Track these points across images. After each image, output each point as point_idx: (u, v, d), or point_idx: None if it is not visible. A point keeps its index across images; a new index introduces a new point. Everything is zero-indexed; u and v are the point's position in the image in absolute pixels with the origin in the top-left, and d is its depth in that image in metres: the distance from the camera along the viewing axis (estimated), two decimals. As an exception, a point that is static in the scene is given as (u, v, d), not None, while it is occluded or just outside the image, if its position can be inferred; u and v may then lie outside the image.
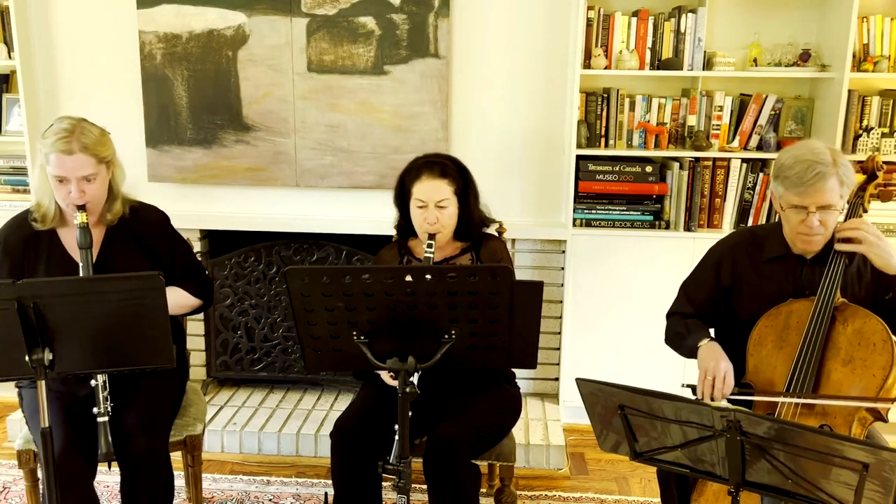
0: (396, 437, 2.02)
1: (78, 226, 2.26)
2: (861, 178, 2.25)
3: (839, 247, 2.13)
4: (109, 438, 2.19)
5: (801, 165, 2.07)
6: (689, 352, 2.27)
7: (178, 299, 2.43)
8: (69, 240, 2.37)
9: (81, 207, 2.26)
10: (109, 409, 2.21)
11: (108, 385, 2.22)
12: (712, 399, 2.09)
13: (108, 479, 2.97)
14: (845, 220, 2.20)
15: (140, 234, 2.45)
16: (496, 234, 2.71)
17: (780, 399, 2.06)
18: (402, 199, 2.57)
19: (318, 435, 3.34)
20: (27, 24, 3.49)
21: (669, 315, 2.43)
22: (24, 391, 2.42)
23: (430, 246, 2.43)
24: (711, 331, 2.33)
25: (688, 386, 2.18)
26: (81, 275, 2.26)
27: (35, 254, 2.38)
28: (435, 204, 2.46)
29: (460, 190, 2.52)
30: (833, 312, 2.09)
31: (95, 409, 2.19)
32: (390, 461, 2.03)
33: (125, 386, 2.35)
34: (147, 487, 2.27)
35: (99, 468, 2.28)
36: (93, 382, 2.21)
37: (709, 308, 2.36)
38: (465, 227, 2.55)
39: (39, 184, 2.34)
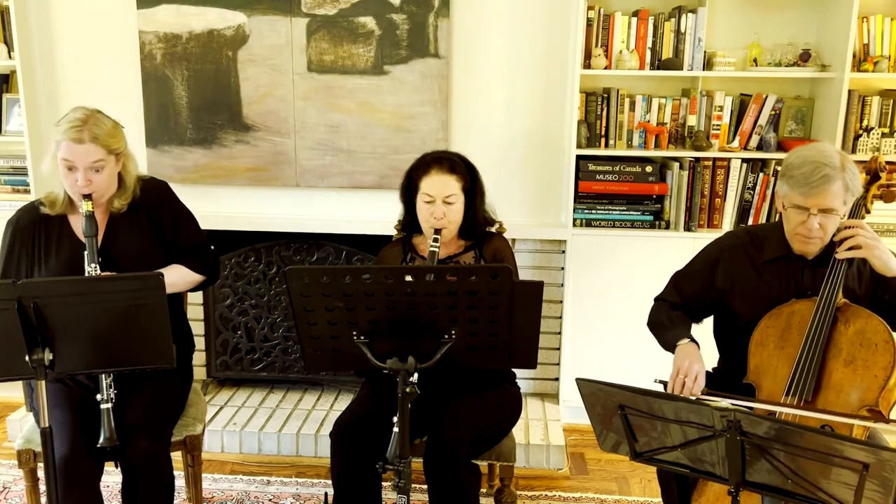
0: (394, 431, 2.02)
1: (84, 214, 2.31)
2: (864, 178, 2.25)
3: (840, 255, 2.12)
4: (112, 424, 2.20)
5: (809, 166, 2.07)
6: (667, 346, 2.30)
7: (180, 276, 2.47)
8: (79, 226, 2.39)
9: (87, 196, 2.31)
10: (113, 396, 2.23)
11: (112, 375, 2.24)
12: None
13: (108, 480, 2.96)
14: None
15: (143, 210, 2.48)
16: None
17: (778, 408, 2.04)
18: (409, 194, 2.56)
19: (318, 435, 3.34)
20: (27, 24, 3.49)
21: (657, 299, 2.47)
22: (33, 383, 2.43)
23: (435, 240, 2.42)
24: (694, 326, 2.35)
25: (660, 381, 2.20)
26: (87, 261, 2.29)
27: (46, 237, 2.42)
28: (443, 199, 2.46)
29: (468, 187, 2.52)
30: (835, 313, 2.09)
31: (99, 396, 2.21)
32: (388, 458, 2.03)
33: (129, 386, 2.35)
34: (146, 489, 2.27)
35: (105, 468, 2.28)
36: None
37: (696, 304, 2.39)
38: (470, 225, 2.55)
39: (51, 171, 2.38)
